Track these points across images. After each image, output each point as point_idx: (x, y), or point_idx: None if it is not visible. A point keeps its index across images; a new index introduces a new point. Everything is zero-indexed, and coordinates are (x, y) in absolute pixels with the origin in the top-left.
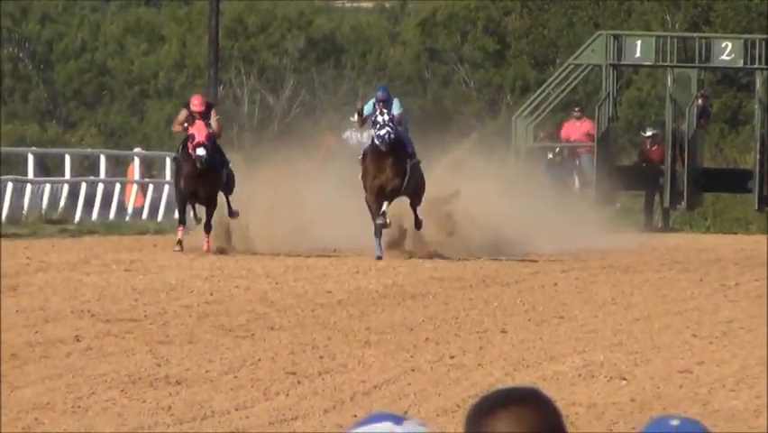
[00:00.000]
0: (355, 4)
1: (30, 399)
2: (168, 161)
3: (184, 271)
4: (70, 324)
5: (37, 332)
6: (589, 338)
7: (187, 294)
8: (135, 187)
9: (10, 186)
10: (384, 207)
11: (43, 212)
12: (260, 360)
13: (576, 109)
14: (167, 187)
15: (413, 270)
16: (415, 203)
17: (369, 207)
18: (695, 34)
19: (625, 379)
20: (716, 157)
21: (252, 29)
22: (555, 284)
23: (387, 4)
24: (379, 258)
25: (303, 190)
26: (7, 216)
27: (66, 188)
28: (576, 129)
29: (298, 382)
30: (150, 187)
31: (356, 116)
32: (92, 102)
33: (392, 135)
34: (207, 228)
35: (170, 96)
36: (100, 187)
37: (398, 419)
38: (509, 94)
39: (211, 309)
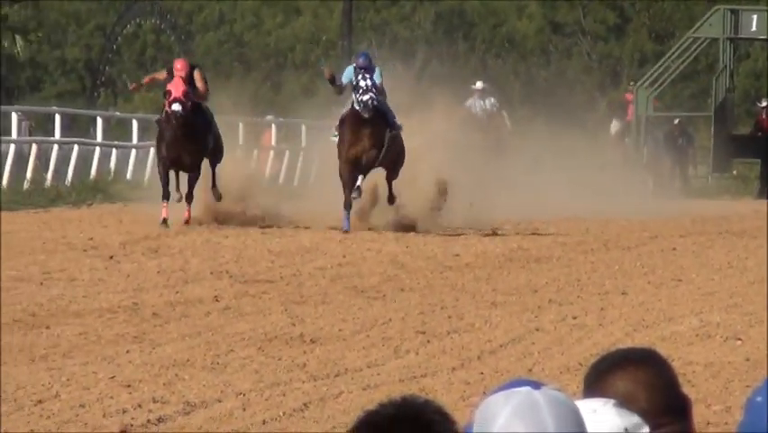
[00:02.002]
0: None
1: (171, 355)
2: (303, 128)
3: (318, 234)
4: (209, 284)
5: (177, 292)
6: (705, 300)
7: (321, 256)
8: (271, 153)
9: (152, 151)
10: (358, 182)
11: None
12: (390, 320)
13: (630, 84)
14: (301, 153)
15: (537, 234)
16: (391, 176)
17: (341, 176)
18: None
19: (740, 339)
20: None
21: (384, 1)
22: (674, 249)
23: None
24: (347, 232)
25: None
26: (149, 180)
27: None
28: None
29: (428, 341)
30: (287, 153)
31: (332, 85)
32: (230, 73)
33: (375, 102)
34: (189, 198)
35: (306, 67)
36: (237, 152)
37: (537, 385)
38: (628, 66)
39: (344, 271)
